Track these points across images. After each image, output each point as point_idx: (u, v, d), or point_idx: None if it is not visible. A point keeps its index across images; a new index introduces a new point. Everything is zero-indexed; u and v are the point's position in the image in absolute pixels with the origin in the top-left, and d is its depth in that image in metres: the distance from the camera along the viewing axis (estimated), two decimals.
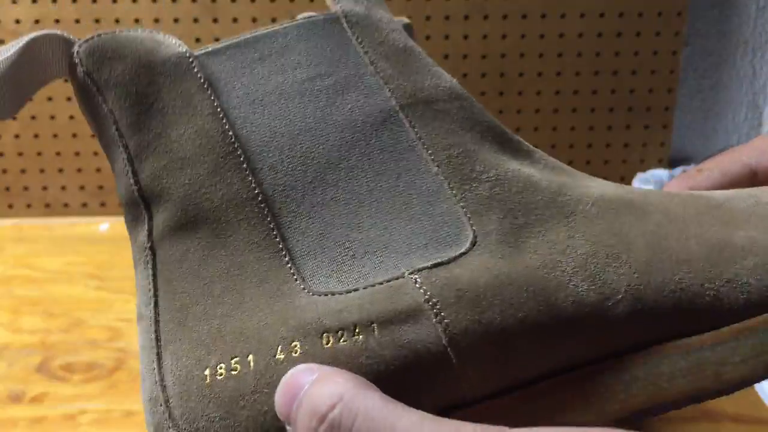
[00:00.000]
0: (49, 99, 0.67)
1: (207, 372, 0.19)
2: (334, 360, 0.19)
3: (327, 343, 0.19)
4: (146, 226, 0.22)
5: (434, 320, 0.19)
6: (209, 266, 0.21)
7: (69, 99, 0.67)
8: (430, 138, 0.22)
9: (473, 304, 0.19)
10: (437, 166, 0.22)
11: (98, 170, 0.69)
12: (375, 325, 0.19)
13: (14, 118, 0.67)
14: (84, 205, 0.70)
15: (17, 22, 0.65)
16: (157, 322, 0.21)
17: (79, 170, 0.69)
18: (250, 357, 0.19)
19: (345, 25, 0.25)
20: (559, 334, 0.19)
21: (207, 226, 0.21)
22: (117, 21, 0.65)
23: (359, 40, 0.24)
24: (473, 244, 0.20)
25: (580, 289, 0.20)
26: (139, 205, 0.22)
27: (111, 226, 0.67)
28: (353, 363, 0.19)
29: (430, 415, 0.17)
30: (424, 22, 0.66)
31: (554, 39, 0.66)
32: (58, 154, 0.68)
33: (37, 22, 0.65)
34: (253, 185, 0.22)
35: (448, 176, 0.22)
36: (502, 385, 0.20)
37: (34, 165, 0.69)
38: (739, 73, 0.69)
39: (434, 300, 0.19)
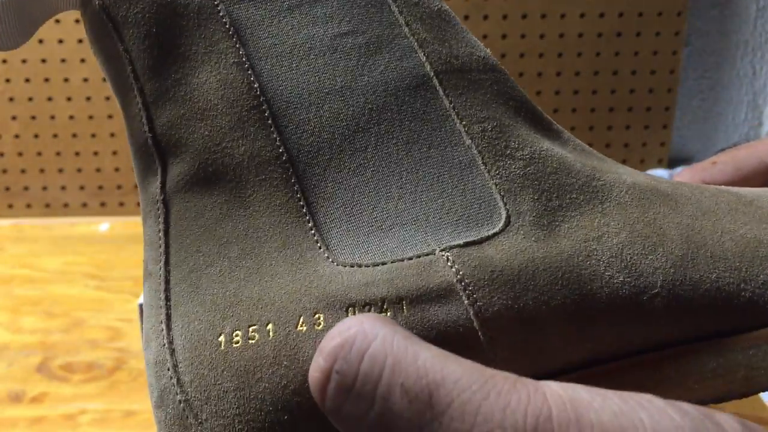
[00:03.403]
0: (49, 99, 0.67)
1: (221, 338, 0.18)
2: None
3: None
4: (159, 178, 0.21)
5: (466, 302, 0.18)
6: (226, 226, 0.20)
7: (69, 99, 0.67)
8: (465, 108, 0.21)
9: (507, 287, 0.19)
10: (470, 138, 0.21)
11: (98, 170, 0.69)
12: (404, 302, 0.18)
13: (14, 118, 0.67)
14: (84, 205, 0.70)
15: None
16: (167, 281, 0.20)
17: (79, 170, 0.69)
18: (270, 326, 0.18)
19: None
20: (591, 325, 0.19)
21: (226, 183, 0.20)
22: None
23: None
24: (506, 224, 0.20)
25: (616, 281, 0.19)
26: (152, 154, 0.21)
27: (111, 226, 0.67)
28: None
29: (452, 354, 0.16)
30: None
31: (554, 39, 0.66)
32: (58, 154, 0.68)
33: None
34: (278, 143, 0.20)
35: (481, 150, 0.21)
36: (529, 375, 0.19)
37: (34, 165, 0.69)
38: (739, 73, 0.69)
39: (467, 280, 0.18)
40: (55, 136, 0.68)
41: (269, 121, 0.21)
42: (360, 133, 0.21)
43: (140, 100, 0.21)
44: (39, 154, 0.68)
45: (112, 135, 0.68)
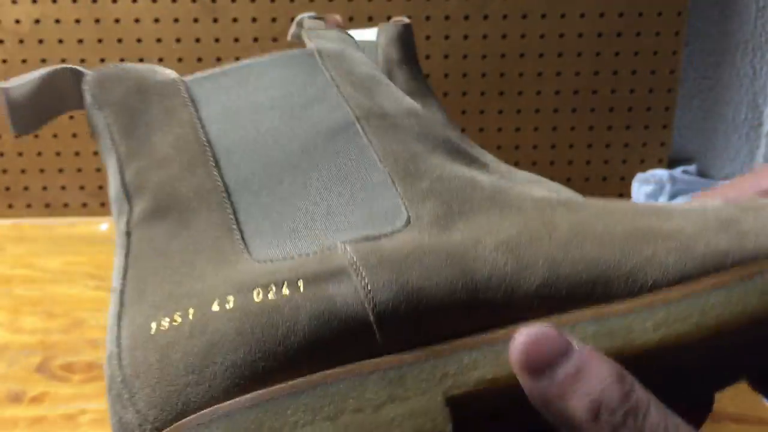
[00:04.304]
0: None
1: (153, 325, 0.21)
2: (261, 311, 0.21)
3: (257, 297, 0.21)
4: (126, 217, 0.25)
5: (355, 279, 0.21)
6: (172, 244, 0.24)
7: None
8: (381, 145, 0.25)
9: (393, 267, 0.21)
10: (384, 164, 0.25)
11: (98, 170, 0.69)
12: (301, 281, 0.21)
13: None
14: (84, 205, 0.70)
15: (17, 22, 0.65)
16: (122, 292, 0.23)
17: (79, 170, 0.69)
18: (190, 310, 0.21)
19: (318, 58, 0.29)
20: (474, 298, 0.21)
21: (175, 213, 0.24)
22: (117, 21, 0.65)
23: (328, 69, 0.29)
24: (406, 224, 0.23)
25: (499, 262, 0.21)
26: (123, 200, 0.25)
27: (111, 226, 0.67)
28: (278, 312, 0.21)
29: None
30: (424, 22, 0.66)
31: (554, 39, 0.66)
32: (58, 154, 0.68)
33: (37, 22, 0.65)
34: (217, 178, 0.25)
35: (391, 173, 0.24)
36: (415, 342, 0.21)
37: (34, 165, 0.69)
38: (739, 73, 0.69)
39: (358, 263, 0.21)
40: (55, 136, 0.68)
41: (212, 163, 0.25)
42: (290, 168, 0.25)
43: (116, 158, 0.26)
44: (39, 154, 0.68)
45: None
